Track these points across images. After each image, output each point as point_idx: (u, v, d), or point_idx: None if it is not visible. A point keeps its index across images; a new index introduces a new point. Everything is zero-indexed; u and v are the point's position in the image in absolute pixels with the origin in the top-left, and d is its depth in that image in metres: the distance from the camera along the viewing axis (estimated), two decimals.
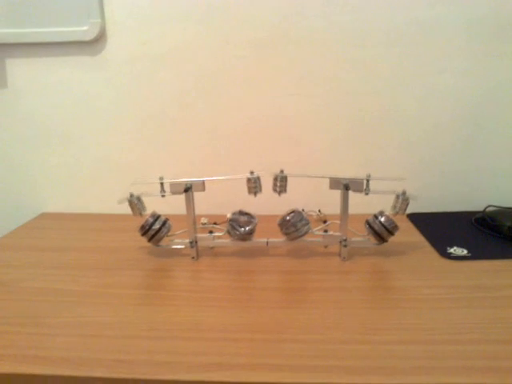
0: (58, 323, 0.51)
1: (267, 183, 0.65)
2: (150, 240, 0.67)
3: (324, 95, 0.80)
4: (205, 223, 0.79)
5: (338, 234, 0.65)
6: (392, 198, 0.64)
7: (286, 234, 0.65)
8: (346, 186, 0.62)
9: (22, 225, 0.85)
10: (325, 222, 0.70)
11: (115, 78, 0.82)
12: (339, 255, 0.66)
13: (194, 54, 0.80)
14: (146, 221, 0.66)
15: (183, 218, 0.65)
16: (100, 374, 0.43)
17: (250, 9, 0.77)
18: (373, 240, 0.66)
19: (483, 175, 0.83)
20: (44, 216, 0.89)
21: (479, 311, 0.51)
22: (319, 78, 0.80)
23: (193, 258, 0.67)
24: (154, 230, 0.66)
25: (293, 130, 0.83)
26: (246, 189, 0.64)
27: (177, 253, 0.69)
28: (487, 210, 0.77)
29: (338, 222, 0.65)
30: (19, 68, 0.83)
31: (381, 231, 0.64)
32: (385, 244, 0.66)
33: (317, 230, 0.66)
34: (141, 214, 0.67)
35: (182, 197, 0.64)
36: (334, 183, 0.63)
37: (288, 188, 0.64)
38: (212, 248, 0.70)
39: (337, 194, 0.64)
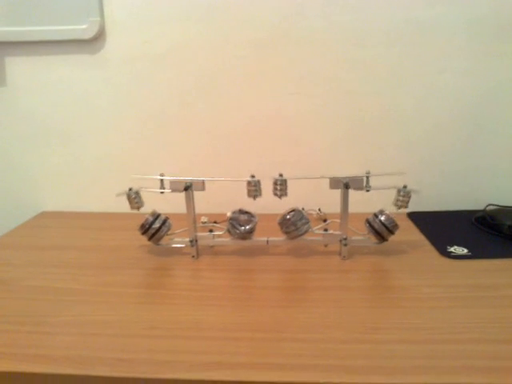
0: (58, 322, 0.51)
1: (267, 183, 0.65)
2: (150, 239, 0.67)
3: (324, 95, 0.80)
4: (205, 222, 0.79)
5: (338, 232, 0.65)
6: (392, 195, 0.64)
7: (286, 232, 0.65)
8: (346, 185, 0.62)
9: (22, 223, 0.84)
10: (325, 220, 0.71)
11: (115, 77, 0.82)
12: (339, 254, 0.66)
13: (194, 54, 0.80)
14: (146, 219, 0.66)
15: (183, 216, 0.65)
16: (100, 372, 0.43)
17: (250, 9, 0.77)
18: (373, 239, 0.66)
19: (483, 175, 0.83)
20: (44, 215, 0.89)
21: (479, 310, 0.51)
22: (319, 78, 0.80)
23: (193, 256, 0.67)
24: (154, 229, 0.66)
25: (293, 130, 0.83)
26: (246, 188, 0.64)
27: (177, 251, 0.69)
28: (487, 208, 0.77)
29: (338, 220, 0.65)
30: (18, 66, 0.83)
31: (381, 230, 0.64)
32: (385, 243, 0.66)
33: (317, 228, 0.66)
34: (138, 209, 0.67)
35: (182, 196, 0.64)
36: (334, 183, 0.63)
37: (288, 187, 0.64)
38: (212, 247, 0.70)
39: (337, 192, 0.64)
